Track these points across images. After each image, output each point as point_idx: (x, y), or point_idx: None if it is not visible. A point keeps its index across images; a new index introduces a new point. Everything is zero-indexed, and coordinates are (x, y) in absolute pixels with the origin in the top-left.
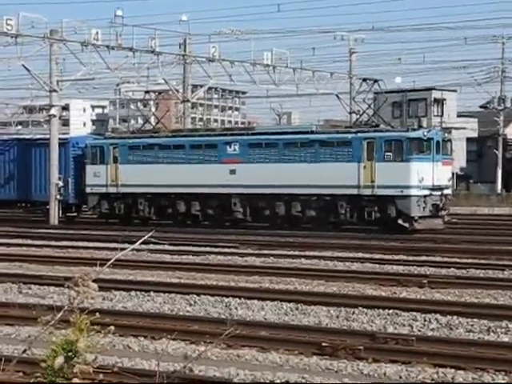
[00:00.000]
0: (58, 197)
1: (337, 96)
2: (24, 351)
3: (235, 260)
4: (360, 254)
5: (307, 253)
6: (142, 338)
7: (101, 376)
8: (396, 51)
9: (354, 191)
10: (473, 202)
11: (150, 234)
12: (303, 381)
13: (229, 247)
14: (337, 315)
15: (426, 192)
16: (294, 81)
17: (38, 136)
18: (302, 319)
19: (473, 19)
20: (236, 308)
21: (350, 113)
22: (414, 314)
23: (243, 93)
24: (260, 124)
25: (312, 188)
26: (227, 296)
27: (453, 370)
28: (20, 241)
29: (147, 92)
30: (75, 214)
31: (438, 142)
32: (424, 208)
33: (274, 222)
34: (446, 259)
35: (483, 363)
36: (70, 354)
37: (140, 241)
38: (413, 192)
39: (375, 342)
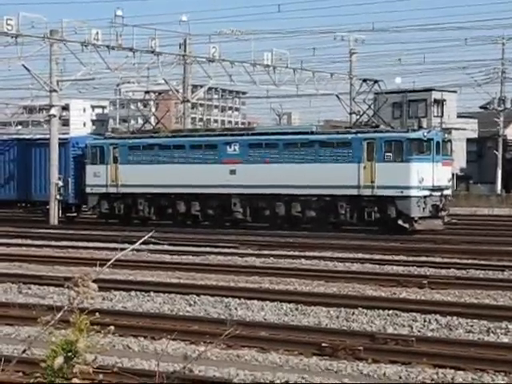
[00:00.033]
0: (58, 197)
1: (337, 96)
2: (24, 351)
3: (235, 260)
4: (360, 255)
5: (307, 253)
6: (142, 338)
7: (100, 376)
8: (396, 52)
9: (354, 192)
10: (473, 203)
11: (150, 234)
12: (303, 381)
13: (229, 247)
14: (337, 316)
15: (426, 193)
16: (294, 81)
17: (38, 136)
18: (301, 320)
19: (473, 20)
20: (236, 308)
21: (350, 113)
22: (414, 314)
23: (243, 93)
24: (260, 124)
25: (312, 188)
26: (227, 296)
27: (452, 371)
28: (20, 241)
29: (147, 92)
30: (75, 214)
31: (438, 142)
32: (424, 208)
33: (274, 223)
34: (445, 260)
35: (483, 364)
36: (69, 354)
37: (140, 241)
38: (413, 192)
39: (375, 342)
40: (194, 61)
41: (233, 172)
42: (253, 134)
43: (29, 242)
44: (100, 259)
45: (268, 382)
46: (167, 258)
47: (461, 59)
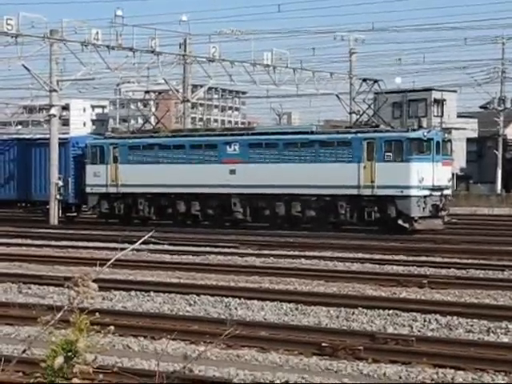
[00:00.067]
0: (58, 197)
1: (337, 96)
2: (24, 351)
3: (235, 260)
4: (360, 255)
5: (307, 253)
6: (142, 338)
7: (100, 376)
8: (396, 51)
9: (354, 191)
10: (473, 203)
11: (150, 234)
12: (303, 381)
13: (229, 247)
14: (337, 315)
15: (426, 192)
16: (294, 81)
17: (38, 136)
18: (301, 319)
19: (473, 20)
20: (236, 308)
21: (350, 113)
22: (414, 314)
23: (243, 93)
24: (260, 124)
25: (312, 188)
26: (227, 296)
27: (452, 371)
28: (20, 241)
29: (147, 92)
30: (75, 214)
31: (437, 142)
32: (424, 208)
33: (274, 222)
34: (445, 259)
35: (483, 364)
36: (69, 354)
37: (140, 241)
38: (413, 192)
39: (375, 342)
40: (193, 61)
41: (233, 172)
42: (253, 134)
43: (29, 241)
44: (100, 259)
45: (268, 381)
46: (167, 257)
47: (461, 59)
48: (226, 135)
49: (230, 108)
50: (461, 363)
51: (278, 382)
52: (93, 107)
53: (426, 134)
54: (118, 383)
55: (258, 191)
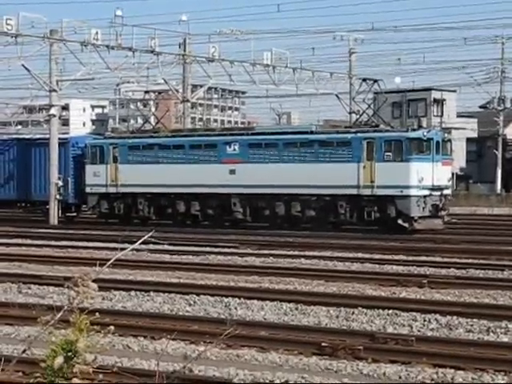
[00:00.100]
0: (58, 197)
1: (336, 96)
2: (24, 351)
3: (235, 260)
4: (360, 254)
5: (307, 253)
6: (142, 338)
7: (100, 376)
8: (395, 51)
9: (354, 191)
10: (472, 202)
11: (150, 234)
12: (303, 381)
13: (228, 247)
14: (336, 315)
15: (426, 192)
16: (294, 81)
17: (37, 136)
18: (301, 319)
19: (472, 19)
20: (236, 308)
21: (350, 113)
22: (414, 314)
23: (243, 93)
24: (260, 124)
25: (312, 188)
26: (227, 296)
27: (452, 370)
28: (20, 241)
29: (147, 92)
30: (75, 214)
31: (437, 142)
32: (424, 208)
33: (274, 222)
34: (445, 259)
35: (483, 363)
36: (69, 354)
37: (140, 241)
38: (412, 192)
39: (375, 342)
40: (193, 60)
41: (232, 172)
42: (252, 134)
43: (29, 241)
44: (100, 259)
45: (268, 381)
46: (167, 257)
47: (460, 59)
48: (225, 135)
49: (230, 108)
50: (461, 363)
51: (277, 381)
52: (92, 107)
53: (425, 133)
54: (118, 383)
55: (258, 191)
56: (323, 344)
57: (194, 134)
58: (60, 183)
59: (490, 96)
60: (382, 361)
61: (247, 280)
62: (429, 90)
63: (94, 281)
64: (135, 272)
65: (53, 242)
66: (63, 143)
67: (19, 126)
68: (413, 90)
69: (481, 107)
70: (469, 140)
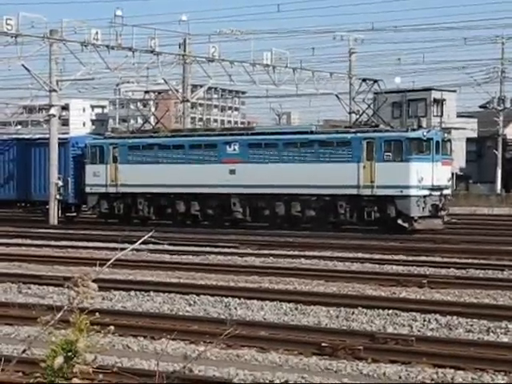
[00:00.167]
0: (58, 197)
1: (336, 96)
2: (23, 351)
3: (235, 260)
4: (360, 254)
5: (307, 253)
6: (142, 338)
7: (100, 376)
8: (395, 51)
9: (354, 191)
10: (472, 202)
11: (150, 234)
12: (303, 381)
13: (228, 247)
14: (336, 315)
15: (426, 192)
16: (294, 81)
17: (37, 136)
18: (301, 319)
19: (472, 19)
20: (235, 308)
21: (350, 113)
22: (414, 314)
23: (243, 93)
24: (260, 124)
25: (312, 188)
26: (227, 296)
27: (452, 371)
28: (19, 240)
29: (147, 92)
30: (75, 214)
31: (437, 142)
32: (423, 208)
33: (274, 222)
34: (445, 259)
35: (483, 363)
36: (69, 354)
37: (140, 241)
38: (412, 192)
39: (375, 342)
40: (193, 60)
41: (232, 172)
42: (252, 134)
43: (28, 241)
44: (100, 259)
45: (268, 381)
46: (167, 257)
47: (460, 59)
48: (225, 135)
49: (230, 108)
50: (460, 363)
51: (277, 381)
52: (92, 107)
53: (425, 133)
54: (118, 383)
55: (258, 191)
56: (323, 344)
57: (193, 134)
58: (60, 183)
59: (490, 96)
60: (382, 361)
61: (247, 280)
62: (429, 89)
63: (93, 281)
64: (135, 272)
65: (53, 242)
66: (63, 143)
67: (19, 126)
68: (413, 90)
69: (481, 107)
70: (469, 140)
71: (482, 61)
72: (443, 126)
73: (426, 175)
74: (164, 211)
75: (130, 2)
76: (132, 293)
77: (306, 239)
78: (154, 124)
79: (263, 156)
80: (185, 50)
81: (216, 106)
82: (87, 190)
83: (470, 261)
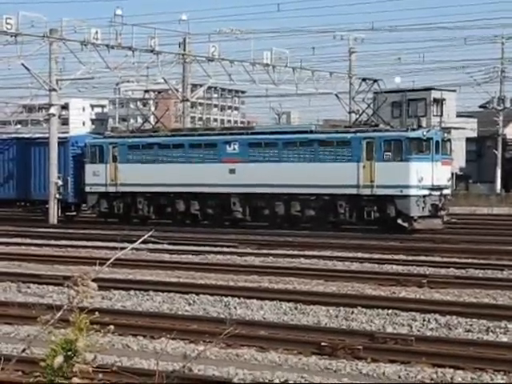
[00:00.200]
0: (58, 196)
1: (336, 96)
2: (23, 350)
3: (234, 259)
4: (359, 254)
5: (306, 252)
6: (141, 338)
7: (100, 375)
8: (395, 51)
9: (354, 191)
10: (472, 202)
11: (150, 233)
12: (302, 380)
13: (228, 247)
14: (336, 315)
15: (426, 192)
16: (294, 80)
17: (37, 135)
18: (301, 319)
19: (472, 19)
20: (235, 307)
21: (350, 112)
22: (413, 313)
23: (243, 92)
24: (259, 123)
25: (311, 188)
26: (226, 295)
27: (452, 370)
28: (19, 240)
29: (147, 91)
30: (74, 213)
31: (437, 141)
32: (423, 208)
33: (274, 222)
34: (445, 259)
35: (482, 363)
36: (69, 353)
37: (139, 240)
38: (412, 192)
39: (374, 341)
40: (193, 60)
41: (232, 171)
42: (252, 134)
43: (28, 241)
44: (99, 258)
45: (267, 381)
46: (166, 257)
47: (460, 58)
48: (225, 134)
49: (230, 107)
50: (460, 363)
51: (277, 381)
52: (92, 106)
53: (425, 133)
54: (118, 383)
55: (258, 190)
56: (323, 343)
57: (193, 133)
58: (59, 182)
59: (490, 96)
60: (382, 360)
61: (247, 279)
62: (429, 89)
63: (93, 280)
64: (135, 271)
65: (52, 242)
66: (63, 142)
67: (19, 125)
68: (413, 90)
69: (480, 107)
70: (468, 140)
71: (482, 61)
72: (443, 125)
73: (426, 175)
74: (164, 211)
75: (130, 1)
76: (131, 292)
77: (306, 239)
78: (153, 123)
79: (263, 155)
80: (185, 50)
81: (216, 106)
82: (87, 189)
83: (469, 261)
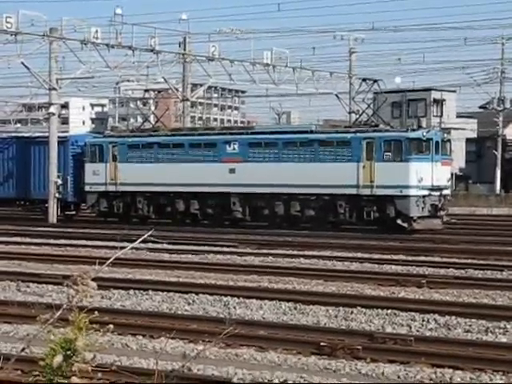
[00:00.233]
0: (57, 195)
1: (336, 96)
2: (23, 349)
3: (234, 259)
4: (359, 254)
5: (306, 252)
6: (141, 337)
7: (99, 375)
8: (396, 51)
9: (353, 191)
10: (472, 203)
11: (149, 232)
12: (301, 380)
13: (228, 246)
14: (335, 315)
15: (425, 192)
16: (294, 80)
17: (37, 134)
18: (300, 319)
19: (472, 20)
20: (234, 307)
21: (350, 113)
22: (413, 314)
23: (243, 92)
24: (259, 123)
25: (311, 188)
26: (226, 295)
27: (451, 370)
28: (19, 239)
29: (147, 91)
30: (74, 213)
31: (437, 142)
32: (423, 208)
33: (273, 222)
34: (444, 259)
35: (481, 363)
36: (68, 352)
37: (139, 240)
38: (412, 192)
39: (373, 341)
40: (193, 59)
41: (232, 171)
42: (252, 133)
43: (28, 240)
44: (99, 258)
45: (266, 381)
46: (166, 256)
47: (460, 59)
48: (225, 134)
49: (230, 107)
50: (459, 363)
51: (276, 381)
52: (92, 106)
53: (425, 133)
54: (117, 382)
55: (258, 190)
56: (322, 343)
57: (193, 132)
58: (59, 181)
59: (490, 96)
60: (381, 360)
61: (246, 279)
62: (429, 90)
63: (93, 279)
64: (134, 271)
65: (52, 241)
66: (62, 141)
67: (18, 124)
68: (413, 90)
69: (480, 107)
70: (468, 140)
71: (482, 61)
72: (443, 126)
73: (426, 175)
74: (163, 210)
75: (130, 1)
76: (131, 291)
77: (306, 239)
78: (153, 123)
79: (263, 155)
80: (185, 49)
81: (216, 105)
82: (86, 188)
83: (469, 261)
